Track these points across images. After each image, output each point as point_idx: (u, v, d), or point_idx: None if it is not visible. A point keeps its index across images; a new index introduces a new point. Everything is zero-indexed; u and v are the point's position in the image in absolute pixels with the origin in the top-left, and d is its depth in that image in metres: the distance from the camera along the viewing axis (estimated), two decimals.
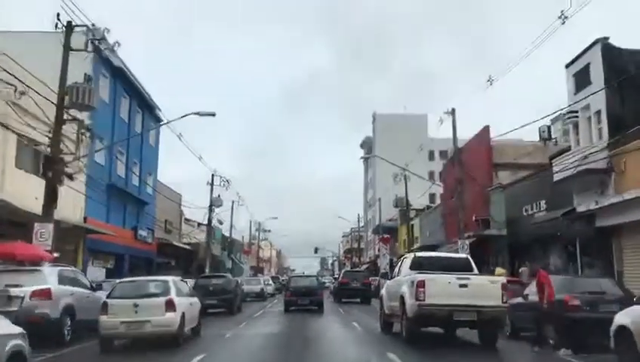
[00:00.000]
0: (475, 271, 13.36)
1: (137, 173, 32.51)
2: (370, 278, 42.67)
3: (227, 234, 60.94)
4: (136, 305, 11.85)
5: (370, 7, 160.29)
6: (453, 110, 26.08)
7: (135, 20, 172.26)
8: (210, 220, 41.23)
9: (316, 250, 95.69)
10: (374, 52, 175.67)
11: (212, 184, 41.30)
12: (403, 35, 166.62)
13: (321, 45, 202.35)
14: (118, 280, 16.04)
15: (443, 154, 77.13)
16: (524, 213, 23.93)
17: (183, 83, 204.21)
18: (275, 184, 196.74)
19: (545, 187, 21.88)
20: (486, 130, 29.26)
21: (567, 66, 20.10)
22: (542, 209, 22.14)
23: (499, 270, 22.64)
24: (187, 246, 42.10)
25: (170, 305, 12.05)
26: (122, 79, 29.61)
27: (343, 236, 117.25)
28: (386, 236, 45.08)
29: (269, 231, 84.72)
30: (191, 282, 27.94)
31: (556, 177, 19.56)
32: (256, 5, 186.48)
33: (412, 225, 47.65)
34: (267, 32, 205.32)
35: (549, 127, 29.62)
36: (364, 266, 75.63)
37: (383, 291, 15.44)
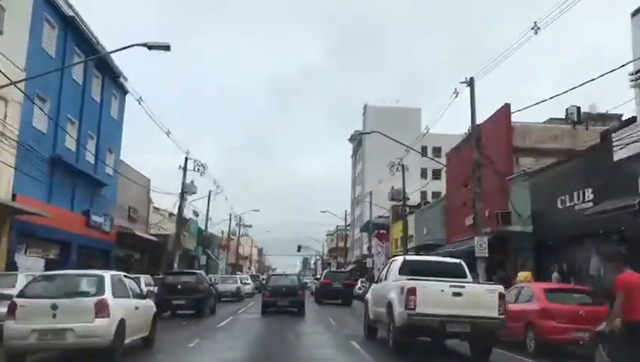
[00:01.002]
0: (469, 277, 12.34)
1: (93, 148, 27.54)
2: (355, 280, 39.08)
3: (204, 227, 56.37)
4: (54, 307, 9.18)
5: (361, 4, 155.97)
6: (472, 79, 21.59)
7: (120, 17, 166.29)
8: (181, 208, 36.36)
9: (299, 248, 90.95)
10: (364, 50, 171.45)
11: (185, 167, 36.57)
12: (395, 33, 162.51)
13: (310, 43, 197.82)
14: (36, 274, 12.73)
15: (437, 150, 73.15)
16: (560, 205, 19.46)
17: (171, 81, 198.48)
18: (259, 182, 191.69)
19: (591, 173, 17.47)
20: (506, 108, 24.78)
21: (633, 15, 15.70)
22: (587, 199, 17.65)
23: (523, 274, 18.20)
24: (154, 238, 37.11)
25: (102, 308, 9.39)
26: (76, 33, 24.65)
27: (327, 235, 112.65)
28: (382, 231, 40.36)
29: (250, 226, 79.98)
30: (146, 279, 23.45)
31: (618, 156, 15.10)
32: (246, 3, 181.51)
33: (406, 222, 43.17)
34: (256, 29, 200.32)
35: (578, 108, 25.28)
36: (350, 266, 71.27)
37: (369, 294, 14.63)
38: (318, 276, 50.45)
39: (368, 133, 23.07)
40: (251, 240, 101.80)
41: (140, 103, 21.80)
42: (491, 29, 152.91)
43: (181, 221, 36.81)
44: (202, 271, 28.43)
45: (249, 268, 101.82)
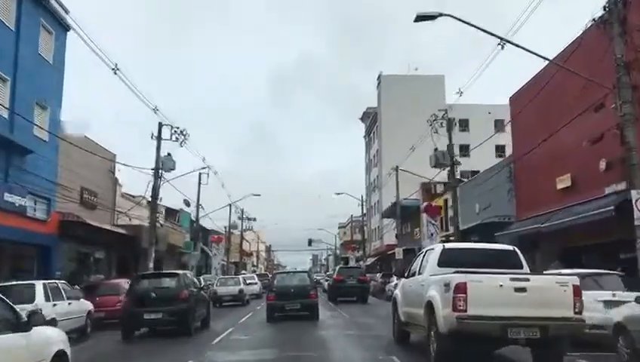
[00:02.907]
0: (526, 268, 10.01)
1: (6, 97, 18.65)
2: (386, 274, 34.92)
3: (207, 222, 47.97)
4: None
5: None
6: None
7: (117, 13, 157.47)
8: (155, 190, 27.40)
9: (310, 242, 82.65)
10: (368, 37, 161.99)
11: (159, 137, 27.67)
12: (399, 18, 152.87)
13: (311, 31, 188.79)
14: None
15: (464, 123, 64.07)
16: None
17: (166, 74, 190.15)
18: (265, 178, 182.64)
19: None
20: None
21: None
22: None
23: None
24: (121, 231, 28.21)
25: None
26: None
27: (339, 227, 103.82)
28: (433, 204, 30.75)
29: (254, 219, 71.11)
30: (51, 286, 14.43)
31: None
32: None
33: (446, 200, 34.11)
34: (254, 18, 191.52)
35: None
36: (370, 259, 62.63)
37: (397, 292, 12.52)
38: (331, 272, 46.57)
39: (437, 15, 12.86)
40: (257, 236, 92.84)
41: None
42: (500, 7, 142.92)
43: (156, 205, 27.84)
44: (188, 272, 20.93)
45: (255, 266, 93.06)
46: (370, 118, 72.64)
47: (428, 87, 61.64)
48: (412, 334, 11.57)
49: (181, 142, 28.36)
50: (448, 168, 27.91)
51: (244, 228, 69.57)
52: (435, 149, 28.19)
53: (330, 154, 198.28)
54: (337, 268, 37.07)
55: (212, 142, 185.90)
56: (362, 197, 64.79)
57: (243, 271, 64.11)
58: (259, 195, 50.45)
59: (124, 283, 18.23)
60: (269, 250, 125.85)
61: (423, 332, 9.94)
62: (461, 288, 8.19)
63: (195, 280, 20.28)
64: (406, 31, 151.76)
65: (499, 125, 48.18)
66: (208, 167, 38.55)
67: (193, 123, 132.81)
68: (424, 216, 29.46)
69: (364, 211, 69.59)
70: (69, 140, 22.61)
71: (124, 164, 27.84)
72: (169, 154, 28.22)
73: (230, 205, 54.84)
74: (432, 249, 11.00)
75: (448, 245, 11.49)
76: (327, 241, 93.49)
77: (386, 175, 46.98)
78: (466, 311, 8.13)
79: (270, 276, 47.76)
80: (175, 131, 28.16)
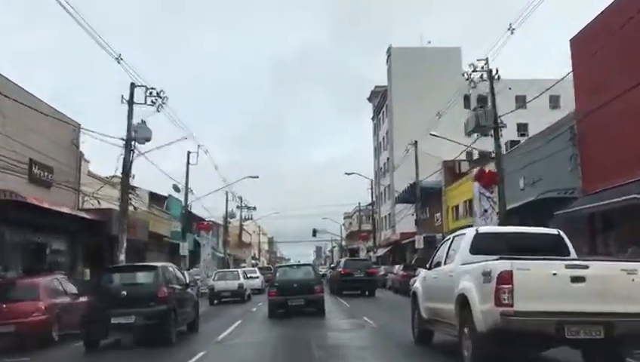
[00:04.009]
0: (574, 255, 8.63)
1: None
2: (409, 267, 29.06)
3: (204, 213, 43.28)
4: None
5: None
6: None
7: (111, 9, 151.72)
8: (126, 163, 22.18)
9: (314, 233, 77.79)
10: (370, 25, 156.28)
11: (131, 100, 22.83)
12: (403, 4, 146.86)
13: (314, 18, 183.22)
14: None
15: (482, 100, 58.82)
16: None
17: (169, 61, 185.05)
18: (267, 168, 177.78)
19: None
20: None
21: None
22: None
23: None
24: (85, 215, 22.95)
25: None
26: None
27: (345, 217, 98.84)
28: (487, 169, 24.89)
29: (254, 208, 65.83)
30: None
31: None
32: None
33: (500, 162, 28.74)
34: (256, 8, 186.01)
35: None
36: (383, 250, 57.79)
37: (417, 285, 11.18)
38: (334, 264, 45.05)
39: None
40: (258, 227, 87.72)
41: None
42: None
43: (128, 183, 22.61)
44: (170, 265, 16.17)
45: (256, 259, 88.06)
46: (379, 97, 67.30)
47: (443, 60, 56.18)
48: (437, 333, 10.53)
49: (158, 107, 23.38)
50: (491, 133, 22.71)
51: (243, 217, 64.58)
52: (474, 108, 23.14)
53: (335, 145, 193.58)
54: (344, 260, 35.26)
55: (214, 133, 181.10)
56: (372, 181, 59.65)
57: (243, 264, 59.13)
58: (257, 177, 45.88)
59: (49, 281, 13.17)
60: (271, 241, 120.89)
61: (451, 330, 8.84)
62: (505, 278, 6.95)
63: (180, 274, 16.11)
64: (411, 16, 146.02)
65: (520, 101, 43.48)
66: (199, 146, 33.73)
67: (195, 116, 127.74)
68: (475, 186, 24.01)
69: (374, 198, 64.43)
70: (11, 97, 17.35)
71: (88, 131, 22.70)
72: (143, 122, 23.17)
73: (227, 190, 49.78)
74: (462, 234, 9.71)
75: (482, 229, 10.07)
76: (332, 232, 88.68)
77: (403, 152, 41.50)
78: (512, 305, 6.91)
79: (273, 269, 43.37)
80: (150, 93, 23.19)
